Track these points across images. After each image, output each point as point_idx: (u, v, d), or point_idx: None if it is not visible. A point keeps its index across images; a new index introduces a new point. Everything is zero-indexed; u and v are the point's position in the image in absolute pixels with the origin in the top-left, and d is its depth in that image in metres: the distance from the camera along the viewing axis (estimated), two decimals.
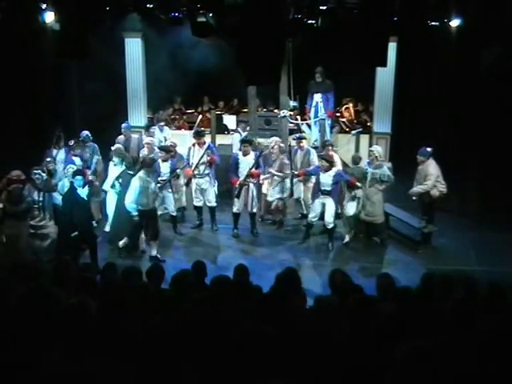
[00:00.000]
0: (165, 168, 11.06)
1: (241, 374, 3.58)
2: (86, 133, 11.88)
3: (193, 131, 12.22)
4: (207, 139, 12.84)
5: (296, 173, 11.33)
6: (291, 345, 4.07)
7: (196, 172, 11.33)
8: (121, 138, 12.31)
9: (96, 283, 6.35)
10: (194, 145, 11.54)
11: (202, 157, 11.20)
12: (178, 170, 11.33)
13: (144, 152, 11.98)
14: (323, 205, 10.71)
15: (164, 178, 10.98)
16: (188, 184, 11.54)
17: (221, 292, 5.51)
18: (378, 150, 11.03)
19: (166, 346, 3.86)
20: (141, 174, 10.04)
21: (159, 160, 11.13)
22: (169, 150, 11.30)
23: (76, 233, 9.60)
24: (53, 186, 10.23)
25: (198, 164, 11.29)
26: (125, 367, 3.79)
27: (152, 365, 3.79)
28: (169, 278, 6.34)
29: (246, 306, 5.21)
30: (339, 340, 4.28)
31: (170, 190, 11.16)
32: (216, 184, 11.61)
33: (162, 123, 13.72)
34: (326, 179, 10.65)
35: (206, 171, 11.38)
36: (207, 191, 11.44)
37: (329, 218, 10.70)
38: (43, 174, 9.92)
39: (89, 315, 4.14)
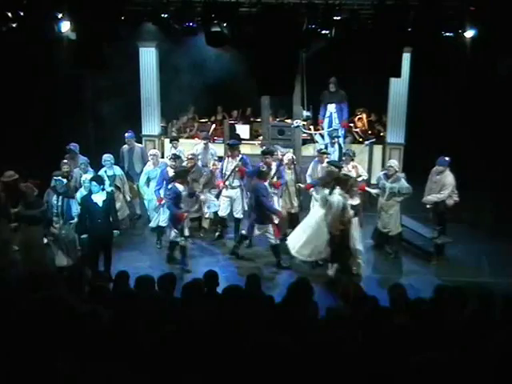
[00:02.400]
0: None
1: None
2: (73, 145, 11.59)
3: (226, 142, 12.09)
4: (219, 148, 12.94)
5: (302, 186, 11.33)
6: (304, 355, 4.06)
7: (227, 183, 11.38)
8: (125, 147, 12.24)
9: (108, 292, 6.38)
10: (228, 156, 11.59)
11: (233, 169, 11.26)
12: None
13: (149, 165, 11.75)
14: None
15: None
16: (219, 196, 11.53)
17: (232, 302, 5.51)
18: (396, 163, 11.01)
19: (177, 356, 3.86)
20: (339, 191, 9.73)
21: (168, 168, 11.12)
22: (179, 158, 11.28)
23: (86, 235, 9.70)
24: (72, 190, 10.26)
25: (229, 175, 11.34)
26: (135, 376, 3.79)
27: (162, 375, 3.78)
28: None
29: (257, 316, 5.21)
30: (350, 351, 4.26)
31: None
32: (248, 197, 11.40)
33: (205, 141, 12.41)
34: None
35: (237, 183, 11.45)
36: (236, 202, 11.46)
37: None
38: (63, 179, 9.96)
39: (101, 324, 4.16)
